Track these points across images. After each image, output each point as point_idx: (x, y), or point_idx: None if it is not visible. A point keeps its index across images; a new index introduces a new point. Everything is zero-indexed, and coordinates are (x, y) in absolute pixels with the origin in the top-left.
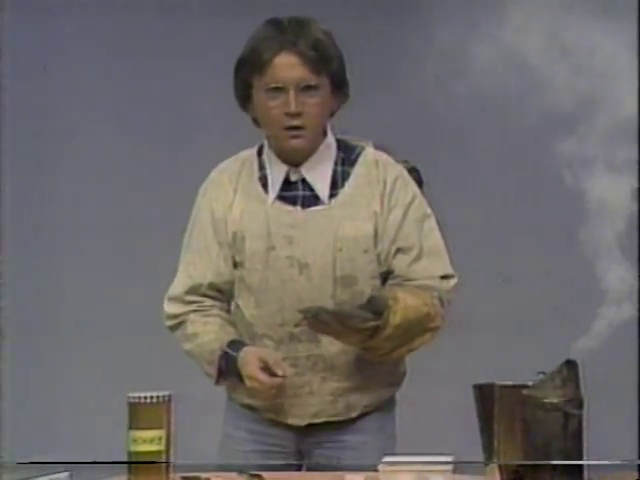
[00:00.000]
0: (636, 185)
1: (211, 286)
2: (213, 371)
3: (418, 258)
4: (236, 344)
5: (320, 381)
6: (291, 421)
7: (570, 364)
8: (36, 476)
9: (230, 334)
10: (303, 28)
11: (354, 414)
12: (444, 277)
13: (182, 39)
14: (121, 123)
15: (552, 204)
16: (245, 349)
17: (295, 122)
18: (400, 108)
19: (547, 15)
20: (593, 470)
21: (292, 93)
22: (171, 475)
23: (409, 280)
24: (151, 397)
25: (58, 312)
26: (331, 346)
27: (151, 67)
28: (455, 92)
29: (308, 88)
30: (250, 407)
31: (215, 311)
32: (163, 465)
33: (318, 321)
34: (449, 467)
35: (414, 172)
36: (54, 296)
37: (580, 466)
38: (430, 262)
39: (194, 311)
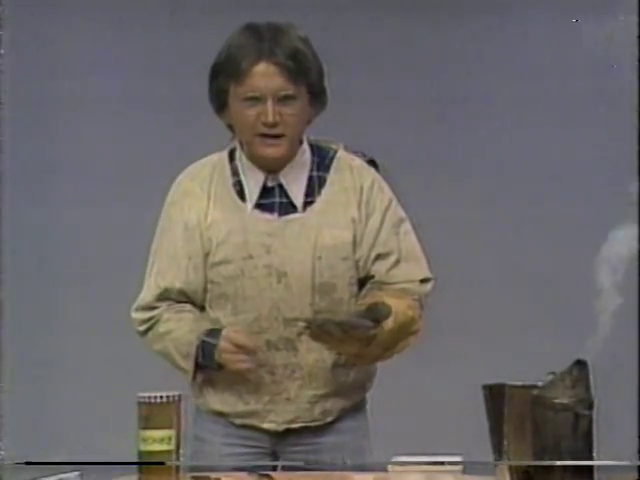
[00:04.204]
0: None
1: (180, 292)
2: (189, 365)
3: (397, 263)
4: (215, 332)
5: (297, 388)
6: (267, 426)
7: (580, 364)
8: (46, 476)
9: (206, 326)
10: (281, 36)
11: (330, 418)
12: (423, 281)
13: (183, 37)
14: (121, 121)
15: (556, 202)
16: (223, 335)
17: (272, 132)
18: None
19: None
20: (604, 471)
21: (270, 103)
22: (181, 475)
23: (389, 284)
24: (161, 397)
25: (71, 311)
26: (308, 354)
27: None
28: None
29: (286, 98)
30: (221, 414)
31: (188, 307)
32: (173, 465)
33: (322, 331)
34: (458, 467)
35: (372, 164)
36: (61, 295)
37: (590, 466)
38: (409, 266)
39: (167, 310)
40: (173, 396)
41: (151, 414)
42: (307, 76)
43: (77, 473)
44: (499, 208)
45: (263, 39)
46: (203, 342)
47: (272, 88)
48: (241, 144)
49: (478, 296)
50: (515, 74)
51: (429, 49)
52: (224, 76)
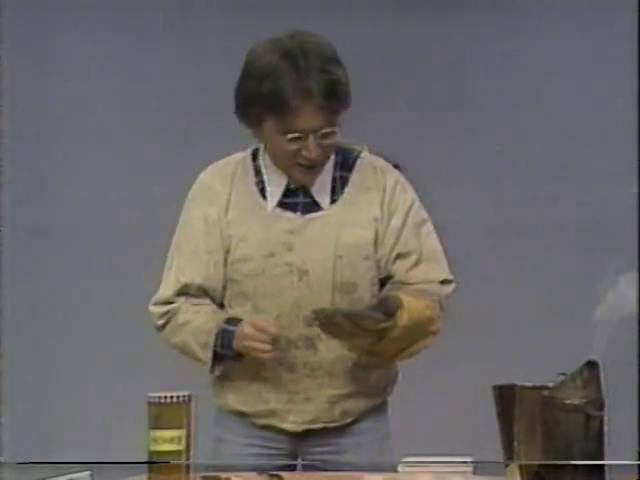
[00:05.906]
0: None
1: (200, 288)
2: (207, 355)
3: (417, 263)
4: (234, 320)
5: (317, 388)
6: (287, 426)
7: (591, 365)
8: (57, 475)
9: (225, 315)
10: (320, 67)
11: (350, 419)
12: (443, 282)
13: (185, 36)
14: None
15: (566, 203)
16: (243, 322)
17: (312, 163)
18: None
19: None
20: (615, 471)
21: (312, 140)
22: (191, 474)
23: (409, 284)
24: (171, 397)
25: (80, 309)
26: (328, 353)
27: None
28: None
29: (327, 133)
30: (241, 414)
31: (207, 302)
32: (183, 464)
33: (331, 323)
34: (469, 467)
35: (397, 169)
36: (68, 292)
37: (601, 467)
38: (430, 267)
39: (185, 303)
40: (183, 396)
41: (161, 414)
42: (345, 105)
43: (88, 473)
44: (510, 208)
45: (301, 72)
46: (223, 330)
47: (315, 127)
48: (268, 150)
49: (489, 297)
50: (531, 74)
51: (445, 50)
52: (263, 108)
